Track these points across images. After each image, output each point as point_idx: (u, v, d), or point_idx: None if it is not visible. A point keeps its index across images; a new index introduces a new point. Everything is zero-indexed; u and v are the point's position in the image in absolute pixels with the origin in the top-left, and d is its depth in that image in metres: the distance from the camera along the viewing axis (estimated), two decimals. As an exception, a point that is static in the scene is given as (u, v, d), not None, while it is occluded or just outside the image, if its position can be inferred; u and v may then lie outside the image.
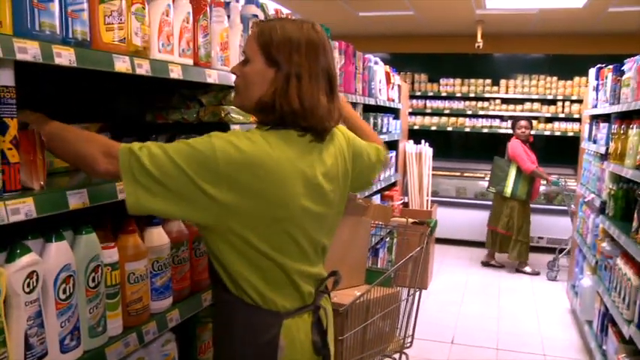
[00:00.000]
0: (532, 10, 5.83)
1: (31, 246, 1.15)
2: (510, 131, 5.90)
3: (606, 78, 3.75)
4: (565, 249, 5.51)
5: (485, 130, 7.43)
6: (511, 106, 7.34)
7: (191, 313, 1.69)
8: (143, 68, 1.39)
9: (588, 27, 6.61)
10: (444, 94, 7.60)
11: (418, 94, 7.65)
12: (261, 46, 1.27)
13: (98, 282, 1.33)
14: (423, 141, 5.51)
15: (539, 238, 6.34)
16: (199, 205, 1.18)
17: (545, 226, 6.29)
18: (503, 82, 7.37)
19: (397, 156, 5.02)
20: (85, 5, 1.23)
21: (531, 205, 5.68)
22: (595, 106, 4.15)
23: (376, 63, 4.09)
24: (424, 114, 7.66)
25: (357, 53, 3.47)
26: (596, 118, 4.09)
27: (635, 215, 2.61)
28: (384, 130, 4.32)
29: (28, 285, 1.11)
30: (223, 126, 1.78)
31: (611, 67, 3.62)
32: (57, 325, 1.21)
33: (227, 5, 1.86)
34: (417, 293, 2.34)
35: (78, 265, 1.27)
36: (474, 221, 6.49)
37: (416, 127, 7.50)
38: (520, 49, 7.51)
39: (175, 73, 1.52)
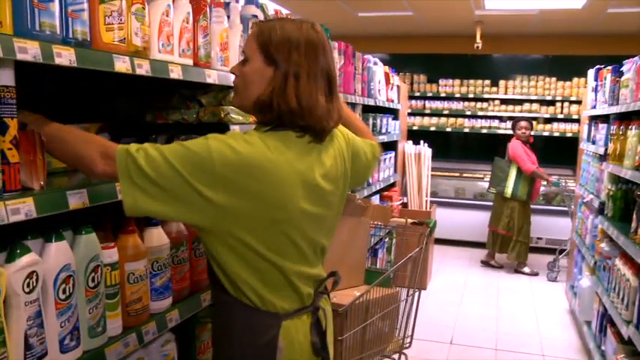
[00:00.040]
0: (531, 10, 5.83)
1: (30, 246, 1.15)
2: (509, 132, 5.91)
3: (605, 79, 3.76)
4: (565, 250, 5.51)
5: (484, 131, 7.44)
6: (510, 107, 7.35)
7: (190, 314, 1.70)
8: (143, 68, 1.39)
9: (587, 28, 6.62)
10: (443, 95, 7.60)
11: (417, 94, 7.66)
12: (260, 45, 1.27)
13: (98, 282, 1.33)
14: (422, 141, 5.52)
15: (538, 238, 6.35)
16: (195, 207, 1.17)
17: (544, 226, 6.30)
18: (502, 82, 7.37)
19: (396, 156, 5.01)
20: (85, 5, 1.23)
21: (530, 206, 5.69)
22: (594, 107, 4.16)
23: (375, 63, 4.09)
24: (423, 114, 7.67)
25: (357, 54, 3.47)
26: (595, 119, 4.10)
27: (634, 216, 2.61)
28: (383, 130, 4.32)
29: (28, 285, 1.11)
30: (223, 126, 1.78)
31: (610, 68, 3.63)
32: (57, 325, 1.21)
33: (227, 6, 1.86)
34: (416, 293, 2.34)
35: (78, 265, 1.27)
36: (473, 222, 6.50)
37: (415, 128, 7.51)
38: (519, 50, 7.51)
39: (175, 74, 1.52)
